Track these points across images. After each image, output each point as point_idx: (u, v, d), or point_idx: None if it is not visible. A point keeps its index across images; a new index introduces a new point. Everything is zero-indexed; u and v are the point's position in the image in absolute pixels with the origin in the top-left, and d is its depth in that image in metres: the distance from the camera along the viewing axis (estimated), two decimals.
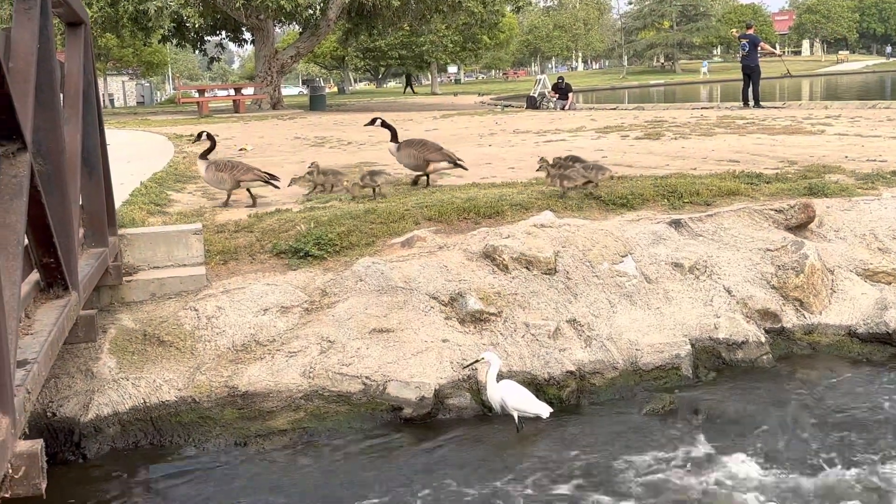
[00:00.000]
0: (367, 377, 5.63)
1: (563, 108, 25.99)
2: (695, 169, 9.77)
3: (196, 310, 6.15)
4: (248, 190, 8.79)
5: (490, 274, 6.52)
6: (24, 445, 2.64)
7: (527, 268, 6.57)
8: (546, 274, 6.56)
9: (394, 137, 9.40)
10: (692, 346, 6.29)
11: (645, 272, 6.81)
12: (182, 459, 5.13)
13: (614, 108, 25.66)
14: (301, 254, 6.90)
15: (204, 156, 8.95)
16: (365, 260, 6.59)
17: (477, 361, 5.58)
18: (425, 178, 9.45)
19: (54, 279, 3.96)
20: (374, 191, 8.61)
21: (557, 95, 27.22)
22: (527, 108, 27.73)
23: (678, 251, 7.01)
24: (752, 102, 21.83)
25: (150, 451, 5.24)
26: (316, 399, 5.55)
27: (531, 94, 28.99)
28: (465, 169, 9.59)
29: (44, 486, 2.64)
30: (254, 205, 8.53)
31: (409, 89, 59.93)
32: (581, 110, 25.49)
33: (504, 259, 6.57)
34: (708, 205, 7.90)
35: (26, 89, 3.45)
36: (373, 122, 9.85)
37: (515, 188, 8.58)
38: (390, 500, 4.65)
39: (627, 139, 13.89)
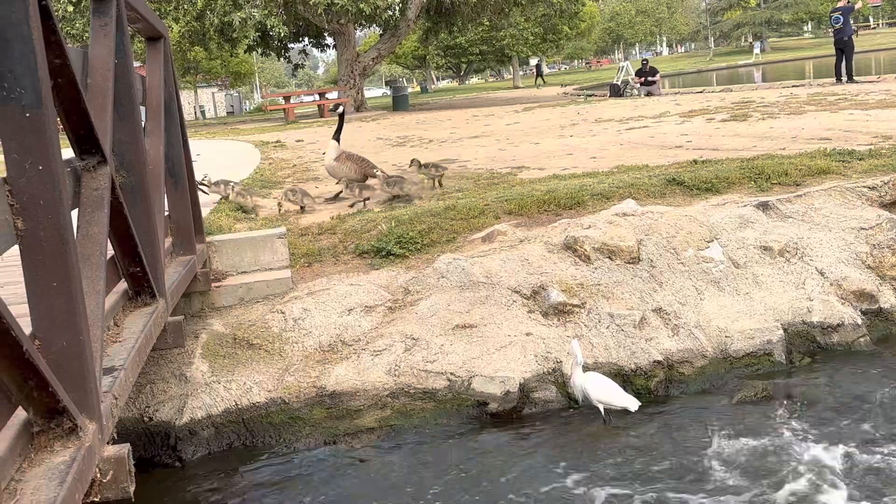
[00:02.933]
0: (451, 373, 5.64)
1: (647, 94, 25.54)
2: (783, 149, 9.46)
3: (283, 312, 6.27)
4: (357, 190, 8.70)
5: (572, 265, 6.45)
6: (111, 450, 2.72)
7: (609, 258, 6.47)
8: (629, 263, 6.46)
9: (337, 134, 9.25)
10: (784, 330, 6.09)
11: (732, 257, 6.62)
12: (274, 459, 5.23)
13: (700, 92, 25.07)
14: (383, 253, 6.96)
15: (337, 136, 9.02)
16: (446, 257, 6.61)
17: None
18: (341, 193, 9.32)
19: (141, 287, 4.08)
20: (436, 182, 8.87)
21: (641, 81, 26.75)
22: (610, 96, 27.34)
23: (767, 234, 6.80)
24: (845, 78, 21.03)
25: (243, 453, 5.36)
26: (402, 396, 5.59)
27: (614, 82, 28.58)
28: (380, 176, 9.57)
29: (132, 489, 2.72)
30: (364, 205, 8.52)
31: (540, 80, 58.75)
32: (666, 95, 24.99)
33: (586, 250, 6.49)
34: (797, 185, 7.64)
35: (104, 104, 3.57)
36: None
37: (596, 178, 8.47)
38: (478, 495, 4.64)
39: (713, 122, 13.55)
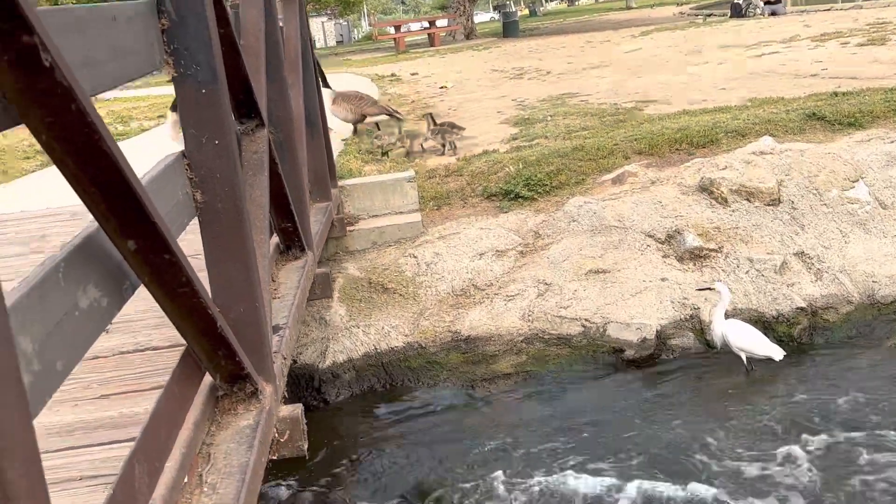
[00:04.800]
0: (586, 319, 5.62)
1: (771, 14, 24.30)
2: None
3: (415, 256, 6.35)
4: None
5: (708, 208, 6.28)
6: (286, 410, 2.84)
7: (747, 199, 6.28)
8: (769, 205, 6.24)
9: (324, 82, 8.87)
10: None
11: (879, 197, 6.32)
12: (414, 403, 5.37)
13: (827, 9, 23.68)
14: (511, 196, 6.93)
15: (325, 83, 8.79)
16: (576, 199, 6.54)
17: (710, 289, 5.39)
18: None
19: (292, 242, 4.19)
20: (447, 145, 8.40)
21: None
22: (731, 16, 26.12)
23: None
24: None
25: (384, 395, 5.52)
26: (536, 342, 5.62)
27: (735, 1, 27.28)
28: (401, 119, 9.20)
29: (306, 446, 2.85)
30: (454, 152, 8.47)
31: None
32: (791, 15, 23.73)
33: (722, 191, 6.30)
34: None
35: (258, 66, 3.62)
36: None
37: (729, 113, 8.16)
38: (615, 442, 4.66)
39: (848, 46, 12.82)
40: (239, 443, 2.42)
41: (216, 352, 2.38)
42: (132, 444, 2.13)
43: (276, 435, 2.77)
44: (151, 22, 2.36)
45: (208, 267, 2.63)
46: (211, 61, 2.52)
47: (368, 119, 9.19)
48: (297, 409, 2.85)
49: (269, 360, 2.76)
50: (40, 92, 1.38)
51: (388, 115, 9.23)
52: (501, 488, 4.41)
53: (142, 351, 2.91)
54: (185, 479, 2.20)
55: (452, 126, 8.60)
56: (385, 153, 8.46)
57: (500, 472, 4.51)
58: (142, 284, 2.00)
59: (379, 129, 9.37)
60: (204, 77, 2.52)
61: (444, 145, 8.48)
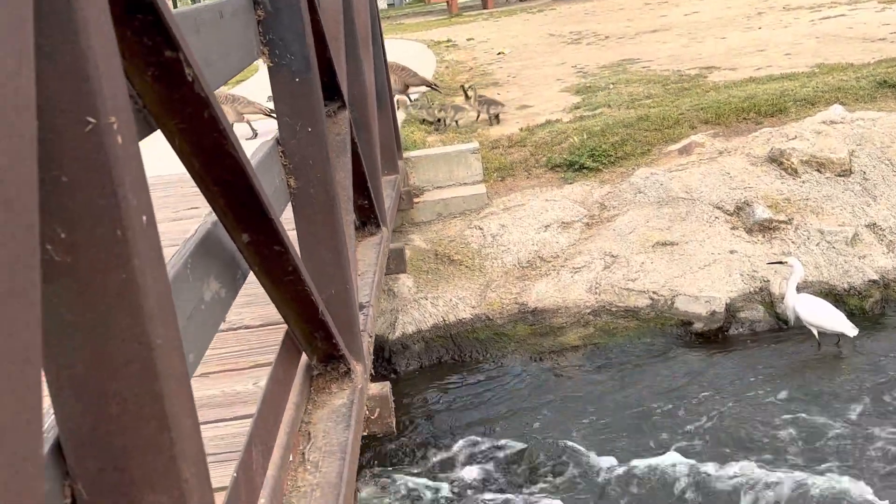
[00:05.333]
0: (653, 292, 5.63)
1: None
2: None
3: (481, 228, 6.40)
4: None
5: (777, 179, 6.22)
6: (375, 388, 2.93)
7: (818, 170, 6.19)
8: (840, 176, 6.16)
9: None
10: None
11: None
12: (483, 374, 5.45)
13: None
14: (576, 167, 6.92)
15: None
16: (643, 171, 6.51)
17: (781, 262, 5.36)
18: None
19: (368, 218, 4.26)
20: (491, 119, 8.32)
21: None
22: None
23: None
24: None
25: (453, 366, 5.61)
26: (604, 315, 5.65)
27: None
28: (439, 91, 9.02)
29: (394, 422, 2.93)
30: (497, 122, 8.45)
31: None
32: None
33: (792, 162, 6.22)
34: None
35: (339, 48, 3.67)
36: None
37: (797, 80, 8.01)
38: (683, 415, 4.70)
39: None
40: (336, 422, 2.52)
41: (314, 334, 2.47)
42: (238, 422, 2.24)
43: (367, 412, 2.86)
44: (250, 15, 2.42)
45: (301, 250, 2.71)
46: (304, 51, 2.58)
47: (464, 105, 9.19)
48: (385, 386, 2.93)
49: (359, 340, 2.85)
50: (178, 101, 1.45)
51: (429, 86, 9.25)
52: (570, 459, 4.49)
53: (234, 330, 3.01)
54: (290, 458, 2.29)
55: (492, 101, 8.65)
56: (439, 123, 8.49)
57: (568, 444, 4.58)
58: (251, 273, 2.08)
59: (410, 101, 9.35)
60: (298, 67, 2.58)
61: (496, 116, 8.47)
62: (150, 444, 1.02)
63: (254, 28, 2.46)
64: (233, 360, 2.80)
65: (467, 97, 8.60)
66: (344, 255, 2.76)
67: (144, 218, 1.01)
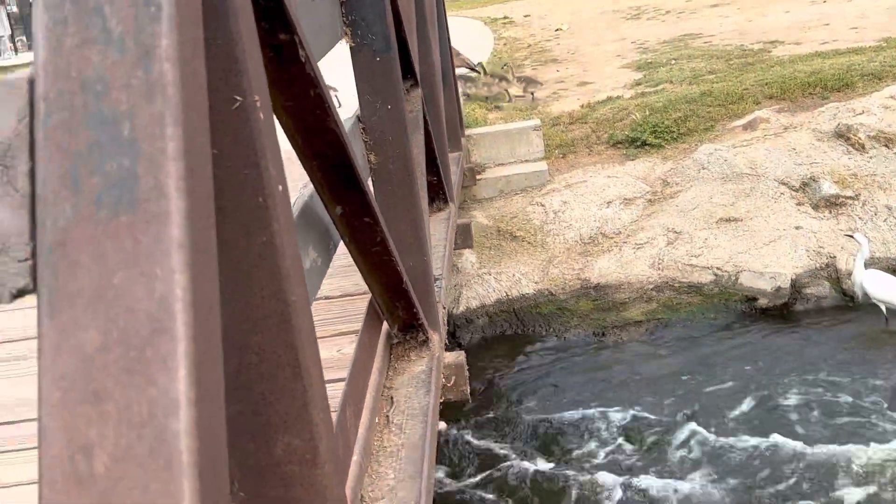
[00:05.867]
0: (717, 268, 5.65)
1: None
2: None
3: (542, 205, 6.46)
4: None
5: (844, 154, 6.16)
6: (450, 357, 3.04)
7: (886, 146, 6.12)
8: None
9: None
10: None
11: None
12: (547, 348, 5.53)
13: None
14: (638, 143, 6.93)
15: None
16: (706, 147, 6.49)
17: (850, 236, 5.34)
18: None
19: (436, 194, 4.36)
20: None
21: None
22: None
23: None
24: None
25: (516, 340, 5.70)
26: (667, 290, 5.68)
27: None
28: (478, 72, 8.91)
29: (468, 391, 3.04)
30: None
31: None
32: None
33: (860, 138, 6.16)
34: None
35: (411, 27, 3.75)
36: None
37: (864, 55, 7.88)
38: (748, 391, 4.73)
39: None
40: (416, 387, 2.63)
41: (395, 303, 2.58)
42: (329, 385, 2.36)
43: (444, 380, 2.96)
44: None
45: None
46: (385, 31, 2.67)
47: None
48: (460, 356, 3.04)
49: (435, 310, 2.95)
50: (288, 81, 1.55)
51: (469, 68, 9.28)
52: (636, 435, 4.55)
53: (317, 300, 3.14)
54: (377, 420, 2.41)
55: (530, 79, 8.80)
56: (496, 101, 8.56)
57: (633, 418, 4.65)
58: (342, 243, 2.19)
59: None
60: (379, 46, 2.67)
61: (532, 94, 8.56)
62: (285, 391, 1.13)
63: (338, 9, 2.56)
64: (318, 328, 2.93)
65: (485, 72, 8.72)
66: (421, 229, 2.87)
67: (280, 187, 1.11)
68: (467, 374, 3.03)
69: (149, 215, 0.77)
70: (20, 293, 0.80)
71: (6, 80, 0.83)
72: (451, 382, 2.98)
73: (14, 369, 2.71)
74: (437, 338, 2.90)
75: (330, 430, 1.23)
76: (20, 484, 2.04)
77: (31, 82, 0.83)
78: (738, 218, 5.92)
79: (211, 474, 0.74)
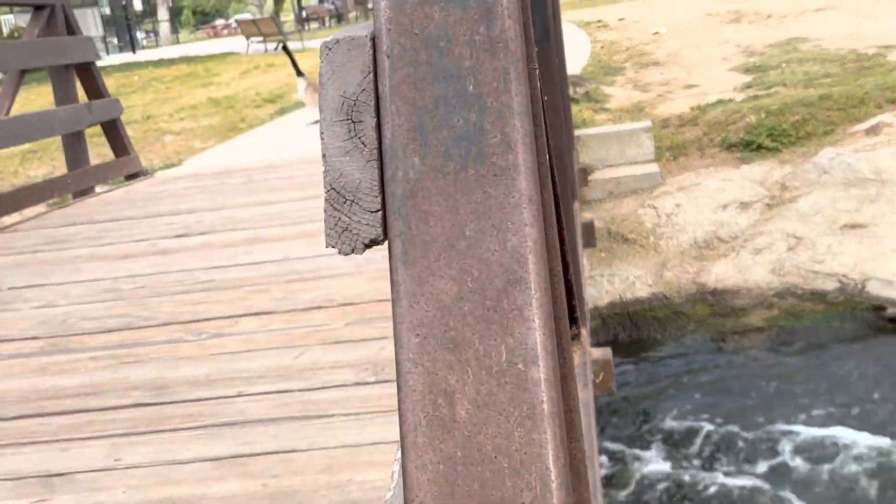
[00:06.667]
0: (842, 275, 5.48)
1: None
2: None
3: (654, 207, 6.37)
4: None
5: None
6: (597, 353, 3.01)
7: None
8: None
9: (298, 71, 8.40)
10: None
11: None
12: (663, 352, 5.45)
13: None
14: (753, 146, 6.78)
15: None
16: (828, 151, 6.32)
17: None
18: None
19: None
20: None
21: None
22: None
23: None
24: None
25: (631, 344, 5.63)
26: (788, 297, 5.53)
27: None
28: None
29: (614, 387, 3.00)
30: None
31: None
32: None
33: None
34: None
35: (557, 22, 3.75)
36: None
37: None
38: (880, 404, 4.57)
39: None
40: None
41: None
42: None
43: (592, 375, 2.94)
44: None
45: None
46: (545, 21, 2.66)
47: None
48: (607, 352, 3.01)
49: (583, 306, 2.93)
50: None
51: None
52: (760, 442, 4.44)
53: None
54: None
55: (579, 80, 8.86)
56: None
57: (754, 426, 4.54)
58: None
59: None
60: (539, 35, 2.67)
61: (586, 93, 8.56)
62: None
63: None
64: None
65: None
66: (571, 223, 2.85)
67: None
68: (614, 370, 3.00)
69: (497, 168, 0.77)
70: (371, 243, 0.82)
71: (350, 36, 0.85)
72: (600, 378, 2.95)
73: None
74: (585, 333, 2.88)
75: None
76: None
77: (373, 39, 0.84)
78: (863, 224, 5.73)
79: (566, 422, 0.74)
